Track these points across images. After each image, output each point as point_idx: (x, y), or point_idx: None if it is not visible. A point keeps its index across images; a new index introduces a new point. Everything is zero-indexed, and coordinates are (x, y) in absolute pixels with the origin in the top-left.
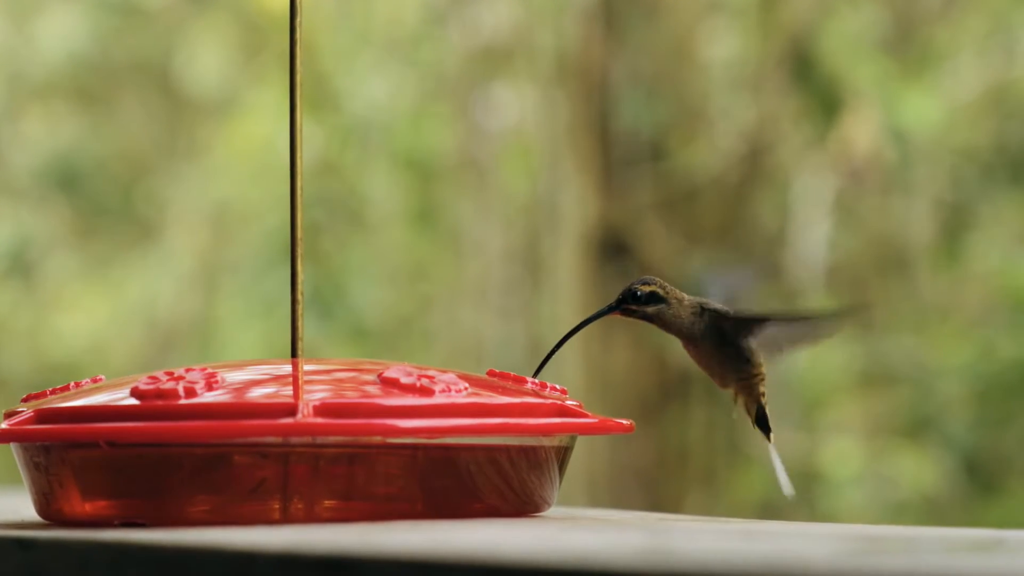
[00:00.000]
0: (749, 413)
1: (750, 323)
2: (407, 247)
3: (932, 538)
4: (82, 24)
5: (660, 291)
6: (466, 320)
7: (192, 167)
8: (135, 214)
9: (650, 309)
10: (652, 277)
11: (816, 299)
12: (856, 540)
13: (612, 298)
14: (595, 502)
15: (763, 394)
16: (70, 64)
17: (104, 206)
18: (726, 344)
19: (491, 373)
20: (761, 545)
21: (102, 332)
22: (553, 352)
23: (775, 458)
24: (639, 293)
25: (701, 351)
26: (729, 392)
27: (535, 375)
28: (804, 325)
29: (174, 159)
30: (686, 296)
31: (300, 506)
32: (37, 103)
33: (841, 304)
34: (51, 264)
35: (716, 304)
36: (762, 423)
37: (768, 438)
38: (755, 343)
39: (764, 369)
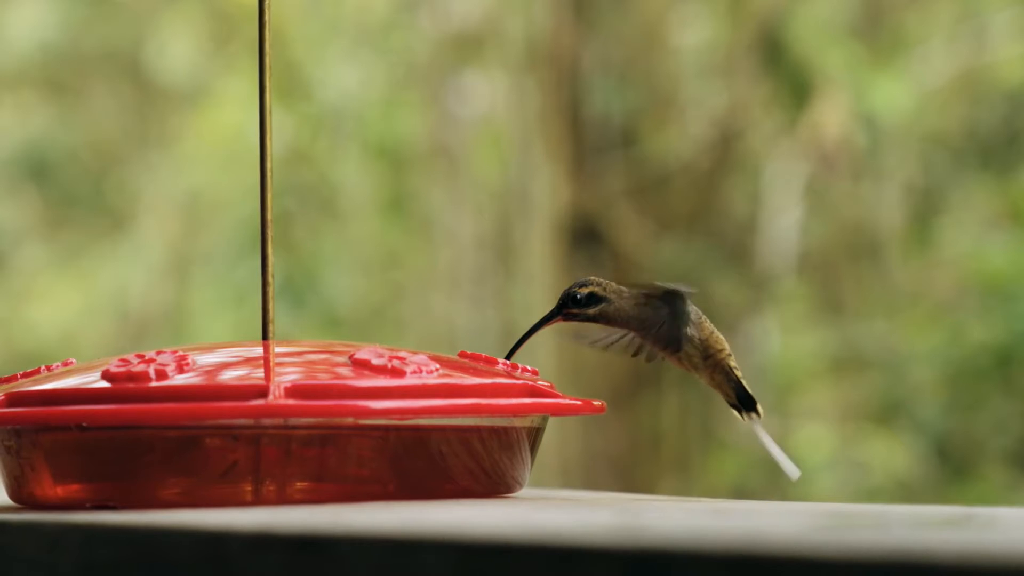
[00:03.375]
0: (727, 394)
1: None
2: (379, 235)
3: (902, 514)
4: (52, 14)
5: (599, 290)
6: (438, 308)
7: (163, 156)
8: (106, 204)
9: (591, 310)
10: (589, 278)
11: (784, 284)
12: (826, 516)
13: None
14: (568, 488)
15: (735, 368)
16: (40, 54)
17: (75, 196)
18: (680, 325)
19: (462, 355)
20: (732, 522)
21: (74, 322)
22: (509, 356)
23: (768, 441)
24: (578, 296)
25: (657, 339)
26: (700, 377)
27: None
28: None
29: (145, 148)
30: (626, 289)
31: (272, 488)
32: (7, 93)
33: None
34: (22, 254)
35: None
36: (744, 400)
37: (757, 413)
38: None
39: (727, 344)
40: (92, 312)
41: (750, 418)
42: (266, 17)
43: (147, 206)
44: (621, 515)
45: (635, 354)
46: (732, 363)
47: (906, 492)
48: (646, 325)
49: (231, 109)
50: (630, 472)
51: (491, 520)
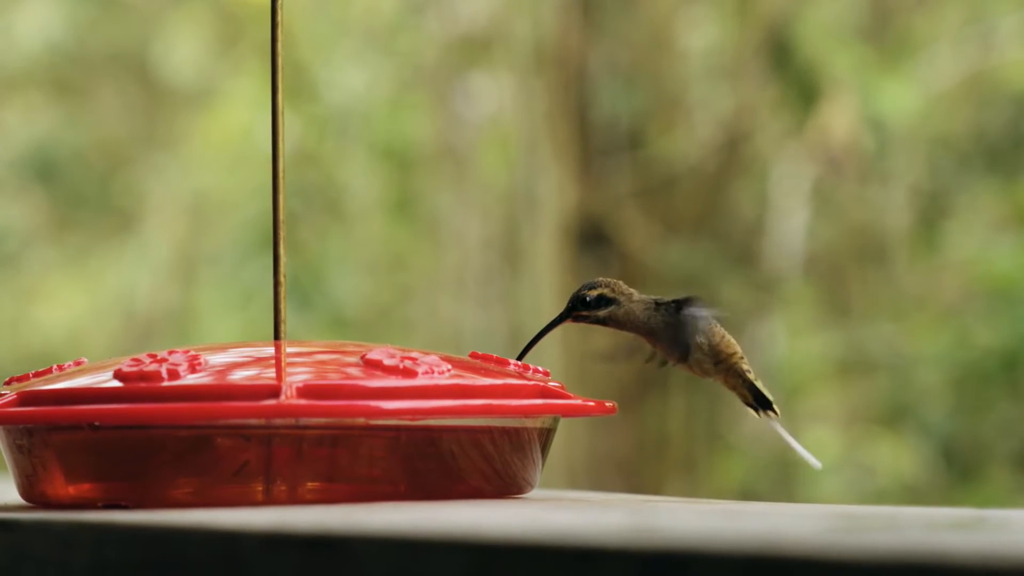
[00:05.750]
0: (743, 396)
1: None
2: (386, 237)
3: (914, 516)
4: (59, 14)
5: (608, 292)
6: (445, 309)
7: (170, 157)
8: (113, 204)
9: (601, 313)
10: (599, 280)
11: (791, 287)
12: (838, 518)
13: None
14: (575, 489)
15: (748, 371)
16: (48, 54)
17: (82, 197)
18: (691, 332)
19: (474, 355)
20: (744, 523)
21: (81, 323)
22: (520, 357)
23: (787, 435)
24: (588, 298)
25: (667, 345)
26: (716, 381)
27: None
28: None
29: (152, 149)
30: (636, 292)
31: (283, 488)
32: (14, 93)
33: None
34: (30, 254)
35: (672, 296)
36: (760, 400)
37: (774, 412)
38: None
39: (739, 347)
40: (99, 312)
41: (767, 416)
42: (279, 17)
43: (154, 207)
44: (634, 516)
45: (648, 360)
46: (745, 365)
47: (912, 495)
48: (655, 330)
49: (238, 110)
50: (636, 473)
51: (503, 521)
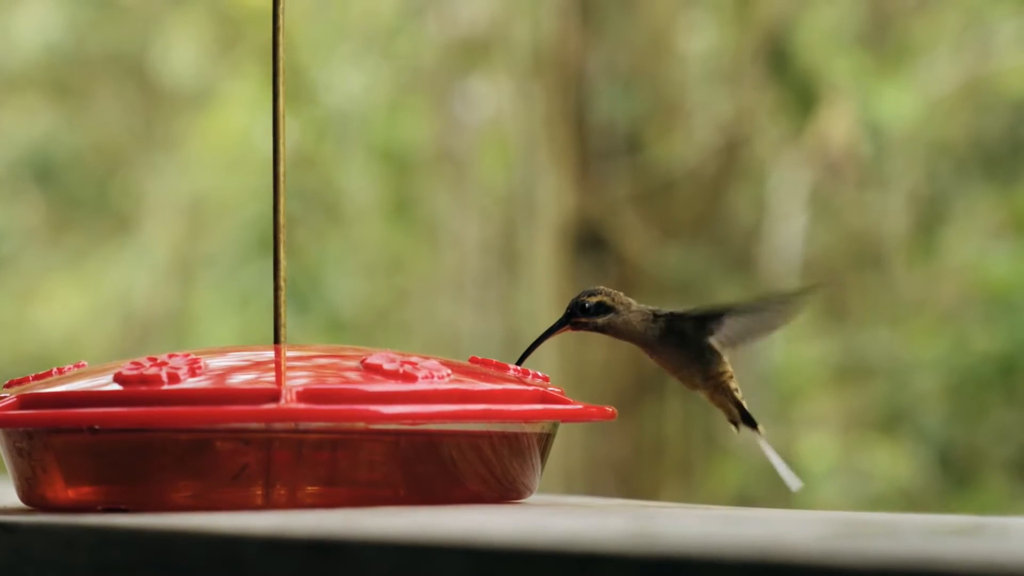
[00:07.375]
0: (729, 413)
1: (708, 320)
2: (384, 240)
3: (914, 523)
4: (58, 16)
5: (608, 300)
6: (443, 312)
7: (168, 159)
8: (111, 206)
9: (600, 320)
10: (598, 287)
11: (781, 286)
12: (839, 524)
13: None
14: (572, 493)
15: (736, 389)
16: (46, 56)
17: (80, 198)
18: (686, 346)
19: (473, 360)
20: (745, 529)
21: (79, 324)
22: (519, 363)
23: (771, 453)
24: (587, 305)
25: (661, 356)
26: (702, 395)
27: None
28: (763, 313)
29: (150, 151)
30: (634, 302)
31: (283, 492)
32: (12, 95)
33: (798, 288)
34: (27, 256)
35: (670, 308)
36: (746, 418)
37: (758, 430)
38: (716, 340)
39: (729, 366)
40: (97, 314)
41: (753, 431)
42: (280, 22)
43: (152, 209)
44: (634, 521)
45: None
46: (733, 384)
47: (908, 501)
48: (651, 342)
49: (236, 112)
50: (633, 478)
51: (504, 525)
